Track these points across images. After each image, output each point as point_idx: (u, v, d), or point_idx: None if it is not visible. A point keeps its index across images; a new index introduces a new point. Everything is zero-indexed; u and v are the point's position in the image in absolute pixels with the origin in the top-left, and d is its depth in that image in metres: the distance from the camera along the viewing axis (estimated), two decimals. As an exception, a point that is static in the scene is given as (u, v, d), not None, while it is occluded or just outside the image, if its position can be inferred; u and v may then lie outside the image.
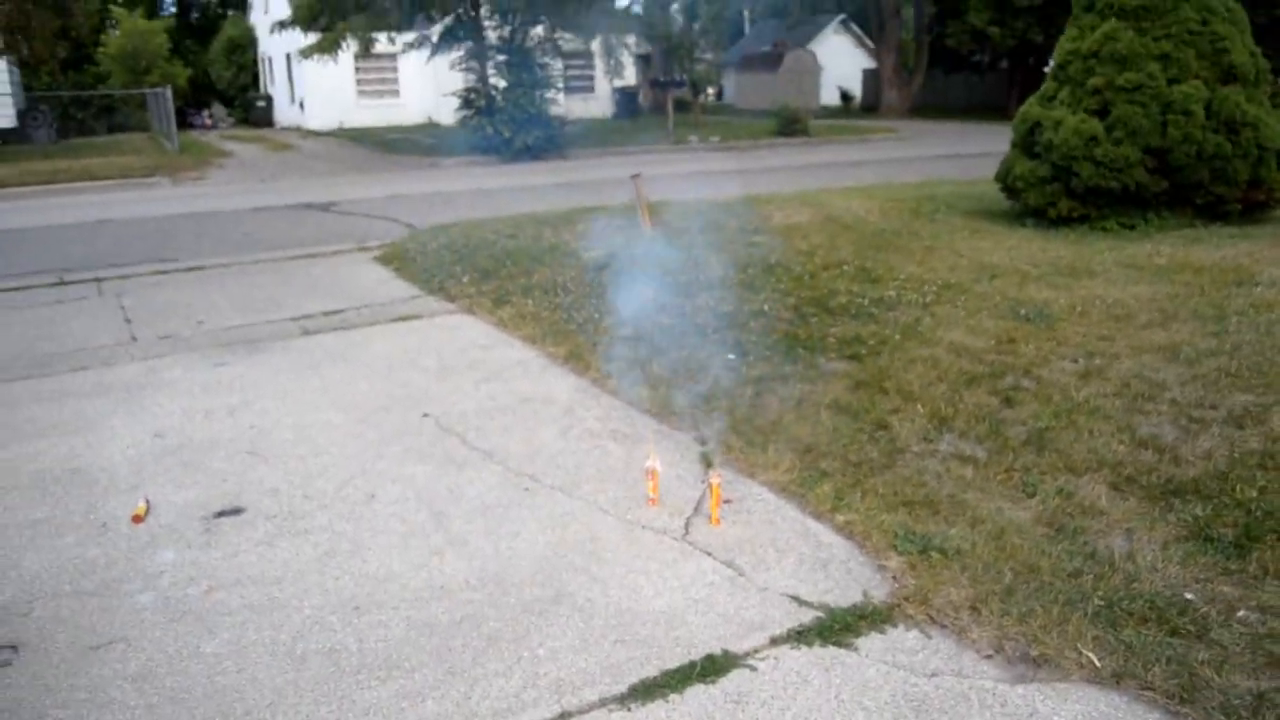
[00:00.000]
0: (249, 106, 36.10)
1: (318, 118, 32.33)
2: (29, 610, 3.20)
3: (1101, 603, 2.98)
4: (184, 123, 29.92)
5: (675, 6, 44.55)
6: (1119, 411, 4.41)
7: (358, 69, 31.94)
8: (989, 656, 2.81)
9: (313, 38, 21.33)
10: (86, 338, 6.76)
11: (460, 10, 20.95)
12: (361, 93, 33.52)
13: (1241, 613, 2.91)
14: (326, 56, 20.73)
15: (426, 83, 31.46)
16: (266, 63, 38.05)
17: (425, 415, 4.97)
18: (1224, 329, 5.41)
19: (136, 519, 3.85)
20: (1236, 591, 3.03)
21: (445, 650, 2.90)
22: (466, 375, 5.65)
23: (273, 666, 2.85)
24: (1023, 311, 5.98)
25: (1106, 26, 8.25)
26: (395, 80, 33.77)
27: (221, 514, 3.91)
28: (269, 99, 36.35)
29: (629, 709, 2.61)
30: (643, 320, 6.33)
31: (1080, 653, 2.76)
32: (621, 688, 2.70)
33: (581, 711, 2.61)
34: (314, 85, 31.46)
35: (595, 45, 26.15)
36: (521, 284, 7.65)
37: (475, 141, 21.01)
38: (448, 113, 26.74)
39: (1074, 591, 3.05)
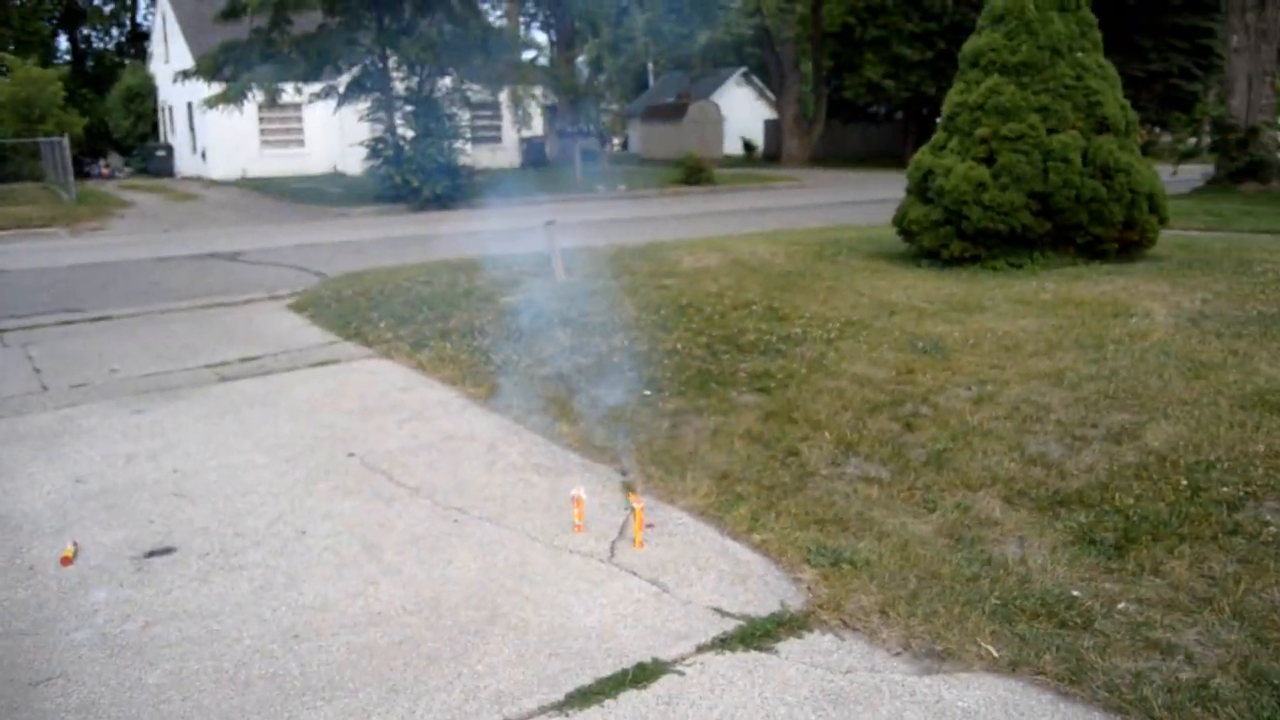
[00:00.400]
0: (148, 156, 35.36)
1: (220, 167, 31.87)
2: (-41, 651, 3.20)
3: (997, 602, 3.24)
4: (80, 172, 29.13)
5: (581, 59, 45.38)
6: (1010, 432, 4.75)
7: (261, 118, 31.63)
8: (898, 654, 3.05)
9: (217, 87, 21.16)
10: (-6, 388, 6.64)
11: (368, 61, 21.06)
12: (265, 142, 33.17)
13: (1122, 605, 3.21)
14: (231, 106, 20.57)
15: (332, 132, 31.33)
16: (167, 111, 37.40)
17: (350, 455, 5.05)
18: (1103, 356, 5.85)
19: (65, 561, 3.85)
20: (1117, 587, 3.34)
21: (387, 670, 3.01)
22: (389, 416, 5.74)
23: (217, 693, 2.92)
24: (920, 344, 6.35)
25: (990, 81, 8.85)
26: (300, 130, 33.52)
27: (152, 553, 3.93)
28: (169, 148, 35.69)
29: (567, 715, 2.76)
30: (560, 360, 6.52)
31: (979, 646, 3.01)
32: (559, 695, 2.85)
33: (522, 718, 2.75)
34: (217, 134, 31.04)
35: (503, 96, 26.51)
36: (438, 328, 7.77)
37: (383, 191, 21.05)
38: (354, 162, 26.68)
39: (972, 593, 3.32)
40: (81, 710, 2.85)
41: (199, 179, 32.33)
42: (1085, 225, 8.78)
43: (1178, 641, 2.99)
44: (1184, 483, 4.04)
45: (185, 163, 34.87)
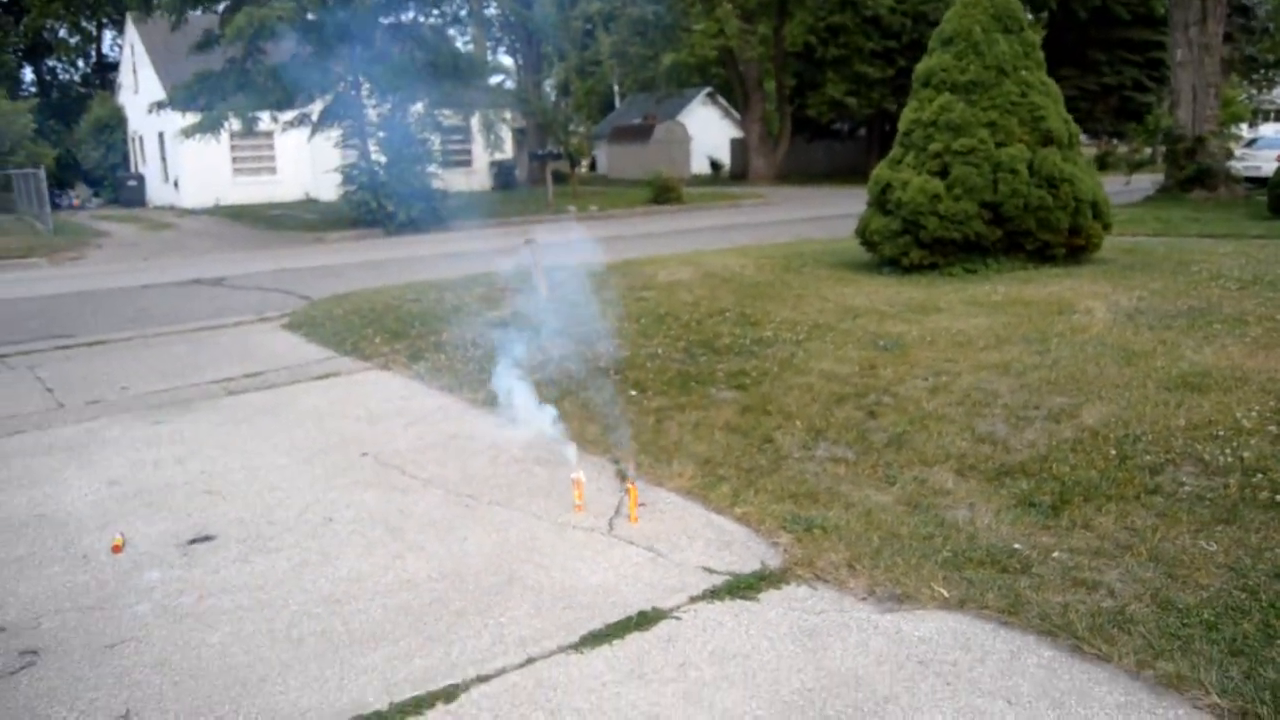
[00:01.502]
0: (119, 186, 35.52)
1: (193, 196, 32.11)
2: (37, 624, 3.61)
3: (949, 554, 3.75)
4: (51, 204, 29.30)
5: (550, 82, 46.04)
6: (961, 416, 5.27)
7: (234, 146, 31.91)
8: (863, 598, 3.53)
9: (191, 117, 21.48)
10: (12, 406, 6.99)
11: (341, 88, 21.48)
12: (238, 170, 33.46)
13: (1056, 554, 3.72)
14: (208, 136, 20.92)
15: (303, 159, 31.69)
16: (137, 142, 37.58)
17: (364, 454, 5.48)
18: (1046, 348, 6.40)
19: (116, 549, 4.26)
20: (1053, 540, 3.85)
21: (422, 624, 3.46)
22: (394, 420, 6.18)
23: (275, 647, 3.36)
24: (881, 343, 6.88)
25: (942, 99, 9.45)
26: (272, 157, 33.84)
27: (194, 541, 4.36)
28: (140, 178, 35.87)
29: (582, 652, 3.23)
30: (551, 367, 6.98)
31: (933, 589, 3.50)
32: (574, 638, 3.31)
33: (544, 656, 3.20)
34: (189, 164, 31.30)
35: (474, 120, 27.01)
36: (432, 341, 8.21)
37: (359, 216, 21.42)
38: (327, 188, 27.04)
39: (927, 548, 3.82)
40: (158, 665, 3.28)
41: (172, 208, 32.56)
42: (1034, 232, 9.39)
43: (1101, 580, 3.50)
44: (1113, 453, 4.58)
45: (157, 192, 35.06)
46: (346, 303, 10.62)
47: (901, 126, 10.01)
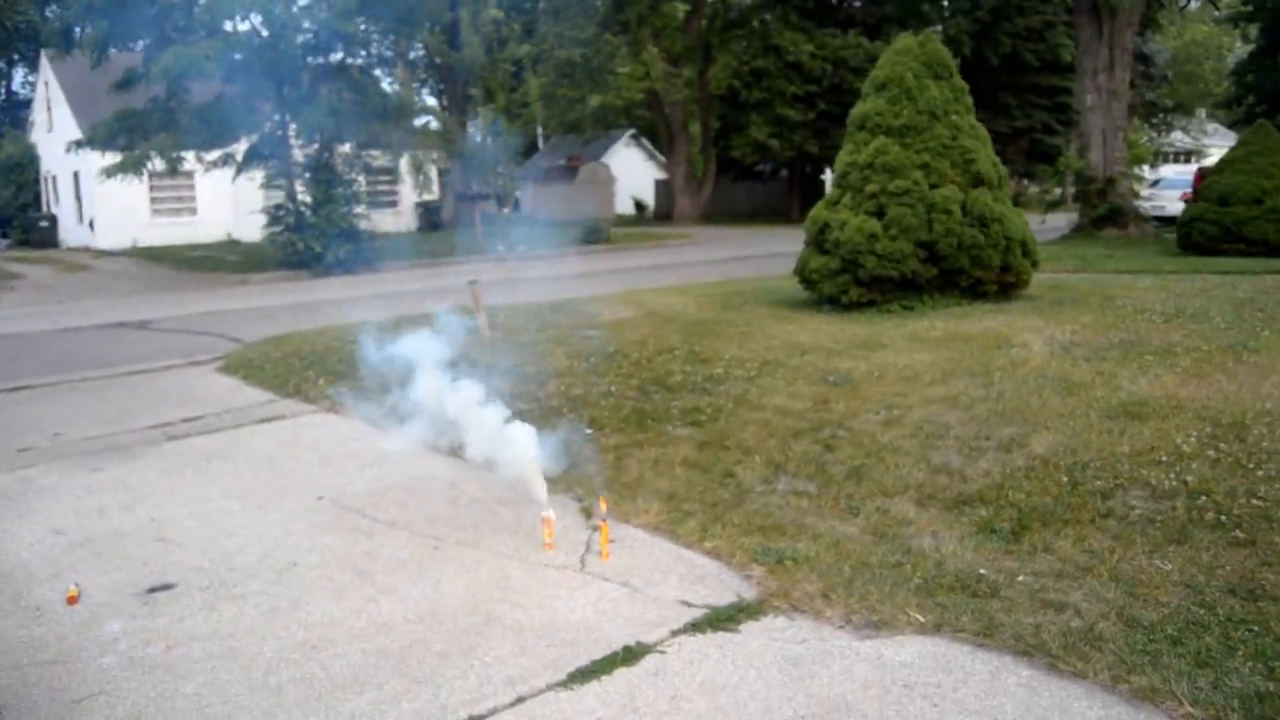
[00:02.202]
0: (30, 227, 34.41)
1: (109, 237, 31.27)
2: (-5, 680, 3.48)
3: (920, 581, 3.84)
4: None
5: (474, 124, 46.07)
6: (916, 448, 5.41)
7: (152, 186, 31.21)
8: (841, 626, 3.60)
9: (111, 157, 20.98)
10: (-61, 455, 6.73)
11: (267, 129, 21.23)
12: (156, 211, 32.70)
13: (1021, 577, 3.84)
14: (130, 176, 20.47)
15: (225, 200, 31.17)
16: (50, 181, 36.52)
17: (320, 497, 5.40)
18: (990, 381, 6.61)
19: (71, 600, 4.13)
20: (1016, 564, 3.97)
21: (404, 667, 3.42)
22: (347, 462, 6.10)
23: (253, 696, 3.28)
24: (831, 378, 7.03)
25: (877, 142, 9.76)
26: (193, 198, 33.18)
27: (154, 589, 4.24)
28: (53, 219, 34.81)
29: (572, 689, 3.23)
30: (503, 407, 6.95)
31: (908, 615, 3.59)
32: (562, 675, 3.31)
33: (535, 695, 3.20)
34: (106, 204, 30.51)
35: (403, 161, 26.92)
36: (377, 383, 8.11)
37: (285, 257, 21.08)
38: (250, 229, 26.58)
39: (898, 576, 3.91)
40: (131, 718, 3.18)
41: (86, 249, 31.64)
42: (967, 269, 9.71)
43: (1068, 600, 3.62)
44: (1065, 479, 4.75)
45: (71, 233, 34.06)
46: (284, 345, 10.44)
47: (837, 168, 10.29)
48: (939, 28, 35.34)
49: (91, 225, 32.11)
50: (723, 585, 4.00)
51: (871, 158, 9.71)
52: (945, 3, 35.12)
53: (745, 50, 36.90)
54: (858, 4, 39.43)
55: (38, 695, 3.35)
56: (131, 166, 20.34)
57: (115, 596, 4.17)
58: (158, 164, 20.79)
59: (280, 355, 9.76)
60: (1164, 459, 4.88)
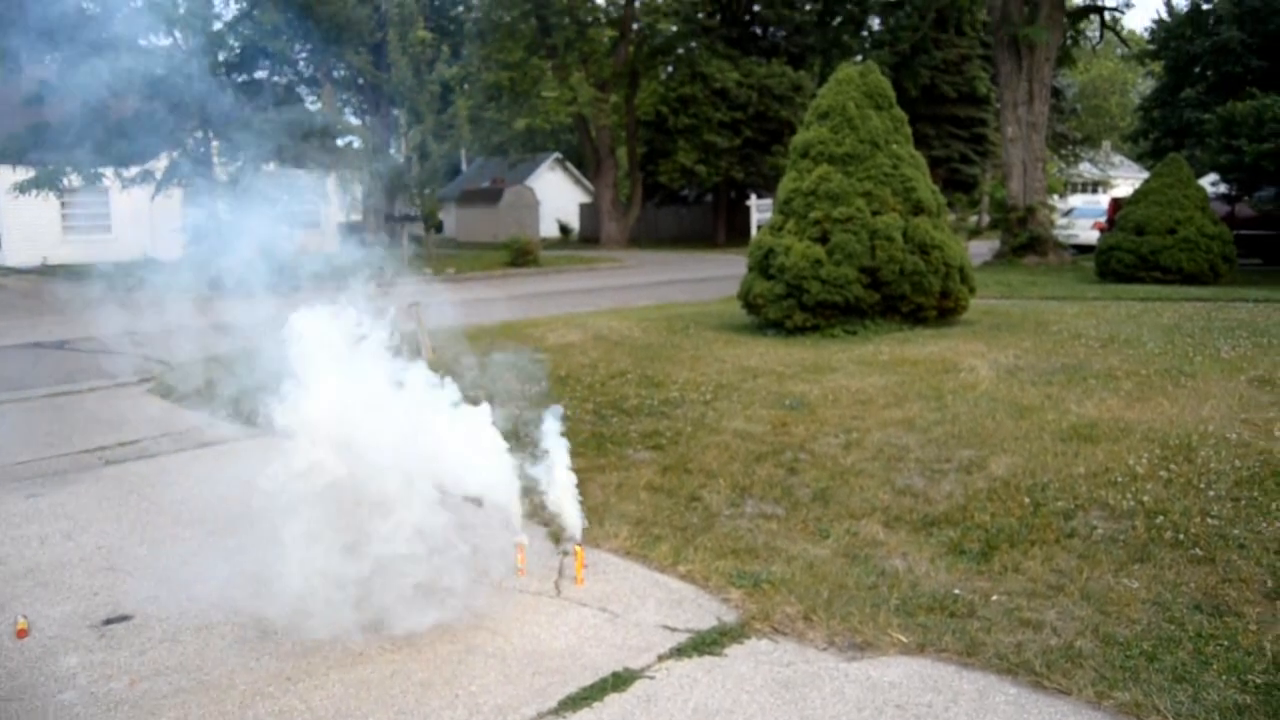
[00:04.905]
0: (-70, 245, 32.99)
1: (17, 255, 30.14)
2: (-53, 720, 3.29)
3: (898, 602, 3.89)
4: None
5: (396, 146, 45.60)
6: (879, 470, 5.49)
7: (64, 203, 30.20)
8: (825, 648, 3.62)
9: (22, 172, 20.24)
10: None
11: (190, 145, 20.71)
12: (68, 228, 31.65)
13: (995, 597, 3.91)
14: (46, 191, 19.77)
15: (141, 218, 30.26)
16: (-49, 198, 35.05)
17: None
18: (943, 405, 6.75)
19: (21, 633, 3.93)
20: (988, 584, 4.05)
21: (388, 698, 3.33)
22: (300, 488, 5.93)
23: (230, 730, 3.17)
24: (787, 402, 7.10)
25: (820, 170, 9.94)
26: (106, 215, 32.18)
27: (110, 621, 4.06)
28: (-45, 236, 33.43)
29: (564, 717, 3.18)
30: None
31: (891, 635, 3.62)
32: (552, 703, 3.26)
33: (526, 723, 3.14)
34: (13, 221, 29.44)
35: (330, 181, 26.49)
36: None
37: (205, 277, 20.53)
38: (165, 247, 25.85)
39: (876, 597, 3.95)
40: (103, 756, 3.04)
41: (-7, 267, 30.43)
42: (909, 295, 9.92)
43: (1043, 619, 3.70)
44: (1027, 500, 4.86)
45: (-26, 251, 32.72)
46: (216, 366, 10.15)
47: (780, 195, 10.44)
48: (859, 58, 36.24)
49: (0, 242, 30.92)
50: (701, 609, 3.99)
51: (815, 185, 9.89)
52: (866, 34, 35.97)
53: (672, 77, 37.34)
54: (781, 34, 40.24)
55: (-4, 736, 3.18)
56: (45, 182, 19.66)
57: (68, 629, 3.98)
58: (74, 180, 20.13)
59: (212, 376, 9.47)
60: (1119, 480, 5.03)
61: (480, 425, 4.38)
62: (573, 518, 4.48)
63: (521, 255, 27.35)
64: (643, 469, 5.83)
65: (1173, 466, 5.18)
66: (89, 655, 3.74)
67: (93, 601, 4.27)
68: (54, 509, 5.65)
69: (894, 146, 9.99)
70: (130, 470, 6.52)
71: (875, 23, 35.51)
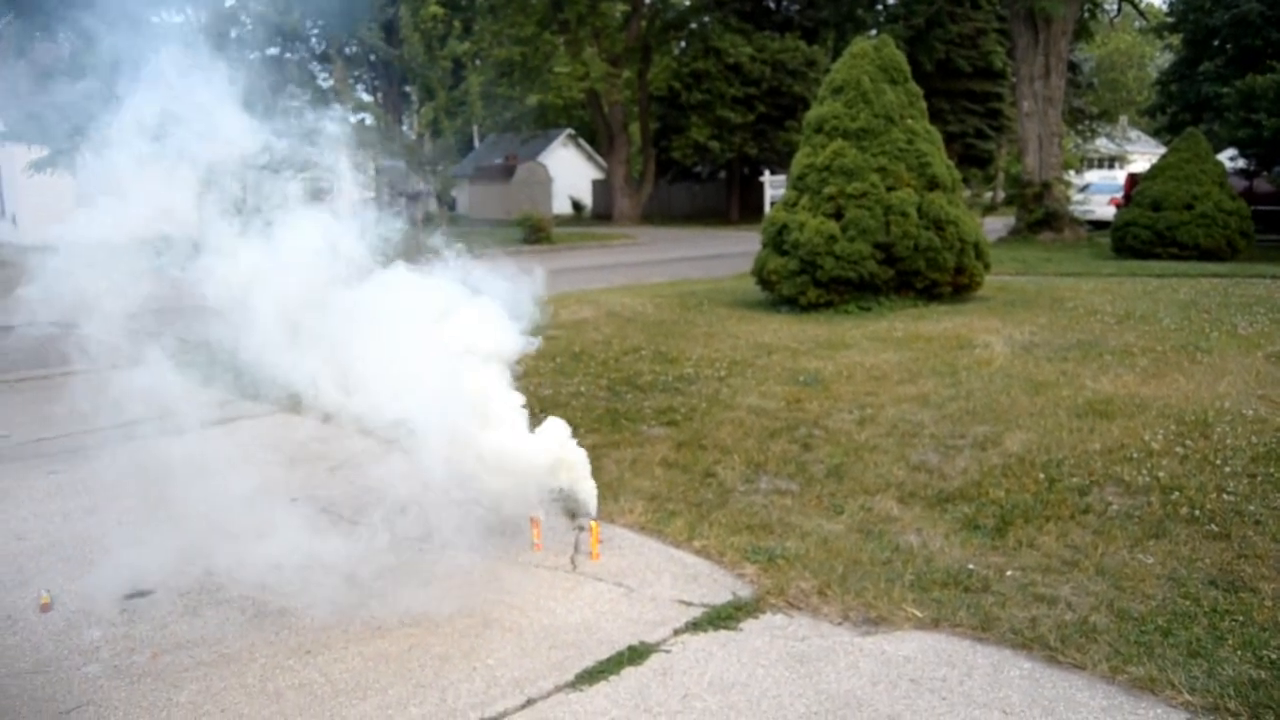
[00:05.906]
0: (-57, 223, 33.18)
1: (34, 232, 30.28)
2: (-28, 693, 3.34)
3: (912, 577, 3.90)
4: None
5: (409, 123, 45.51)
6: (893, 446, 5.49)
7: (80, 181, 30.31)
8: (839, 623, 3.64)
9: (37, 150, 20.29)
10: (-119, 460, 6.45)
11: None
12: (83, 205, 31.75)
13: (1009, 572, 3.92)
14: (61, 170, 19.82)
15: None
16: None
17: (293, 499, 5.29)
18: (957, 381, 6.74)
19: (44, 608, 3.99)
20: (1003, 560, 4.05)
21: (406, 671, 3.37)
22: (316, 464, 5.99)
23: (252, 703, 3.21)
24: (801, 378, 7.10)
25: (834, 145, 9.88)
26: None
27: (131, 596, 4.11)
28: (-32, 215, 33.62)
29: (581, 690, 3.21)
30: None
31: (905, 610, 3.64)
32: (569, 676, 3.29)
33: (544, 697, 3.17)
34: (28, 198, 29.56)
35: (343, 160, 26.41)
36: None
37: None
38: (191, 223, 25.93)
39: (890, 573, 3.96)
40: (126, 727, 3.08)
41: (6, 245, 30.59)
42: (923, 271, 9.88)
43: (1058, 594, 3.70)
44: (1041, 476, 4.86)
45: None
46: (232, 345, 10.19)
47: (794, 170, 10.39)
48: (874, 32, 35.95)
49: (14, 220, 31.07)
50: (717, 584, 4.01)
51: (829, 160, 9.84)
52: (880, 8, 35.62)
53: (685, 52, 37.08)
54: (795, 8, 39.89)
55: (21, 707, 3.23)
56: (63, 160, 19.70)
57: (90, 604, 4.03)
58: (88, 157, 20.16)
59: (231, 353, 9.51)
60: (1135, 456, 5.02)
61: (504, 394, 4.43)
62: (588, 494, 4.50)
63: (534, 232, 27.35)
64: (657, 445, 5.84)
65: (1188, 442, 5.17)
66: (111, 629, 3.79)
67: (114, 576, 4.30)
68: (75, 485, 5.73)
69: (909, 121, 9.92)
70: (149, 447, 6.56)
71: (890, -4, 35.18)
